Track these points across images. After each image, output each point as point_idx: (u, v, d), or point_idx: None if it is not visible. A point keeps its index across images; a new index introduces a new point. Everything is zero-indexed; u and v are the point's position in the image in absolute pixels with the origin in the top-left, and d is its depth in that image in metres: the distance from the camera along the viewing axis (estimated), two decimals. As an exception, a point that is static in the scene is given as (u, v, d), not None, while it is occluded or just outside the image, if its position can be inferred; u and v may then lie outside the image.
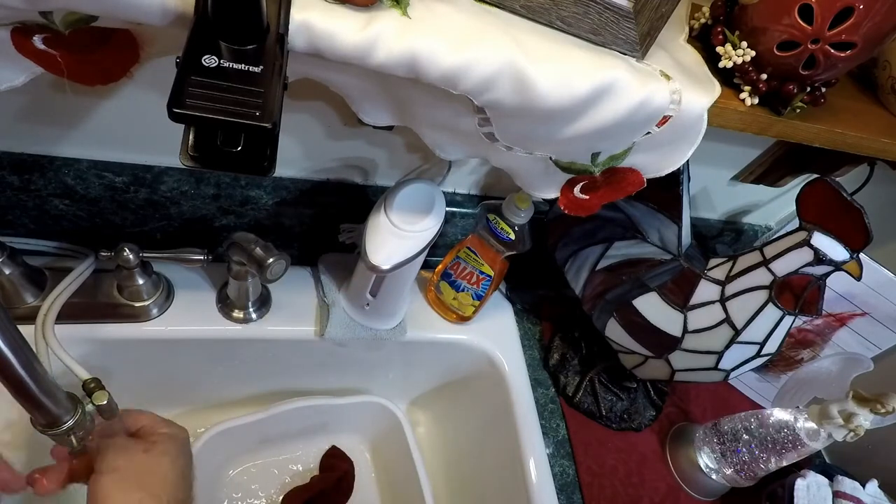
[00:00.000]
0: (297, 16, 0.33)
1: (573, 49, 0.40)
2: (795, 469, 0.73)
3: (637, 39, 0.42)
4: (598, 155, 0.47)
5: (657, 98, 0.41)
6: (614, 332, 0.69)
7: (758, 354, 0.63)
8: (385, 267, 0.55)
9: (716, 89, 0.44)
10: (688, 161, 0.48)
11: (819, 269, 0.56)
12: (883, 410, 0.60)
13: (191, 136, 0.32)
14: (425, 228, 0.57)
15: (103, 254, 0.57)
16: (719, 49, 0.47)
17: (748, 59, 0.46)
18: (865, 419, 0.61)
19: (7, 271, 0.55)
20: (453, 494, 0.80)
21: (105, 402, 0.43)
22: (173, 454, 0.47)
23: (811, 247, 0.55)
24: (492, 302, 0.76)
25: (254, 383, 0.76)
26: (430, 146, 0.50)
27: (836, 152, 0.55)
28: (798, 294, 0.59)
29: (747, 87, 0.47)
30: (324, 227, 0.70)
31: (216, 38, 0.30)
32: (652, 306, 0.66)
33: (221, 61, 0.29)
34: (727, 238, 0.91)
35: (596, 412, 0.77)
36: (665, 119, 0.43)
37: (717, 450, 0.73)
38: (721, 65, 0.47)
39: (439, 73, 0.36)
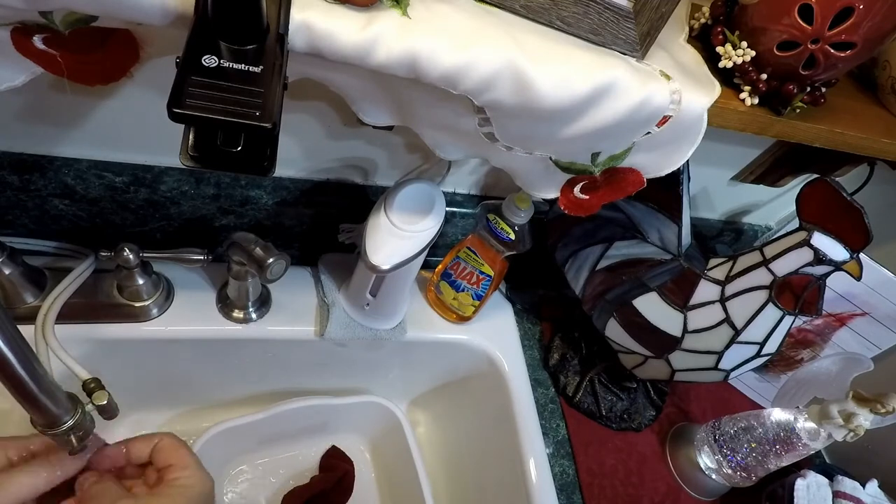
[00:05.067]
0: (297, 16, 0.33)
1: (573, 49, 0.40)
2: (795, 469, 0.73)
3: (637, 39, 0.42)
4: (598, 155, 0.47)
5: (657, 98, 0.41)
6: (614, 332, 0.69)
7: (758, 354, 0.63)
8: (385, 267, 0.55)
9: (716, 89, 0.44)
10: (688, 161, 0.48)
11: (819, 269, 0.56)
12: (883, 410, 0.60)
13: (191, 136, 0.32)
14: (425, 228, 0.57)
15: (103, 254, 0.57)
16: (719, 49, 0.47)
17: (748, 59, 0.46)
18: (865, 419, 0.61)
19: (7, 271, 0.55)
20: (453, 494, 0.80)
21: (105, 402, 0.43)
22: None
23: (811, 247, 0.55)
24: (492, 302, 0.76)
25: (254, 383, 0.76)
26: (430, 146, 0.50)
27: (836, 152, 0.55)
28: (798, 294, 0.59)
29: (747, 87, 0.47)
30: (324, 227, 0.70)
31: (216, 38, 0.30)
32: (652, 306, 0.66)
33: (221, 61, 0.29)
34: (727, 238, 0.91)
35: (596, 412, 0.77)
36: (665, 119, 0.43)
37: (717, 450, 0.73)
38: (721, 65, 0.47)
39: (439, 73, 0.36)
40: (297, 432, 0.77)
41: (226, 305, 0.65)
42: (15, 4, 0.31)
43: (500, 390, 0.74)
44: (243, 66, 0.29)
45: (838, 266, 0.55)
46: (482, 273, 0.69)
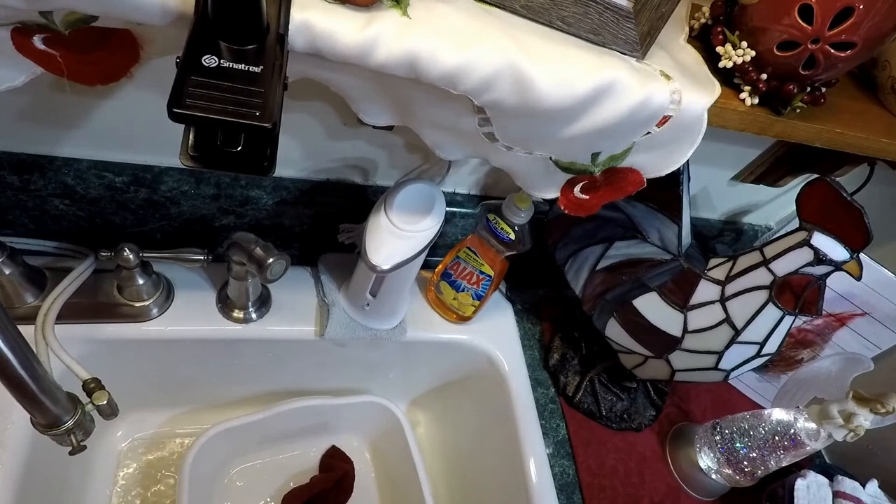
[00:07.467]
0: (297, 16, 0.33)
1: (573, 49, 0.40)
2: (795, 469, 0.73)
3: (637, 39, 0.42)
4: (599, 155, 0.47)
5: (657, 98, 0.41)
6: (614, 332, 0.69)
7: (758, 354, 0.63)
8: (385, 267, 0.55)
9: (716, 89, 0.44)
10: (688, 161, 0.48)
11: (819, 269, 0.56)
12: (883, 410, 0.60)
13: (191, 136, 0.32)
14: (425, 228, 0.57)
15: (103, 254, 0.57)
16: (719, 49, 0.47)
17: (748, 59, 0.46)
18: (865, 419, 0.61)
19: (7, 271, 0.55)
20: (453, 494, 0.80)
21: (105, 402, 0.44)
22: None
23: (811, 247, 0.55)
24: (492, 302, 0.76)
25: (254, 383, 0.76)
26: (430, 146, 0.50)
27: (836, 152, 0.55)
28: (798, 294, 0.59)
29: (747, 87, 0.47)
30: (324, 227, 0.70)
31: (216, 38, 0.30)
32: (652, 306, 0.66)
33: (221, 61, 0.29)
34: (727, 238, 0.91)
35: (596, 412, 0.77)
36: (665, 119, 0.43)
37: (717, 450, 0.73)
38: (721, 65, 0.47)
39: (439, 74, 0.36)
40: (297, 432, 0.77)
41: (226, 305, 0.65)
42: (15, 4, 0.31)
43: (500, 390, 0.74)
44: (243, 66, 0.29)
45: (838, 266, 0.55)
46: (482, 273, 0.69)
